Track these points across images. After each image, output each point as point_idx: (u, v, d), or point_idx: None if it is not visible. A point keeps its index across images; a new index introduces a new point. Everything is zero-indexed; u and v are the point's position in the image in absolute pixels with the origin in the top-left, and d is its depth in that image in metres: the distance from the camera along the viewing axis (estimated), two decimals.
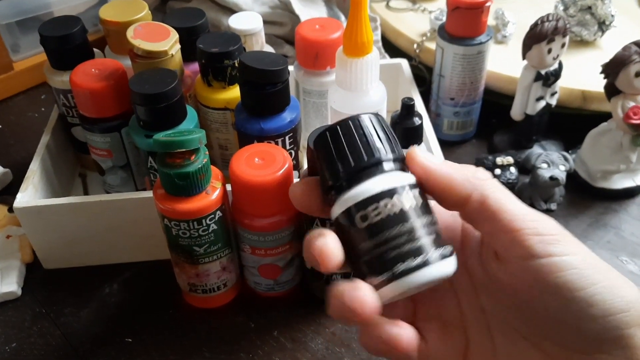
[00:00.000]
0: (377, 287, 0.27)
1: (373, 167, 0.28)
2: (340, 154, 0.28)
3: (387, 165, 0.28)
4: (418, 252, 0.27)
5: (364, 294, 0.26)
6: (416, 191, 0.28)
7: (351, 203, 0.28)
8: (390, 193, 0.27)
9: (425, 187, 0.29)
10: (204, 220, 0.44)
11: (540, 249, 0.26)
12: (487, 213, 0.27)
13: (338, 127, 0.29)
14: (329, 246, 0.27)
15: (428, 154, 0.29)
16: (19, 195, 0.51)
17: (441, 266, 0.27)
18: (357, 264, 0.28)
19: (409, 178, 0.28)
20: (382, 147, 0.28)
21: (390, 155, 0.29)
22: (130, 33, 0.51)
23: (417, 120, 0.50)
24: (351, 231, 0.28)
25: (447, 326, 0.30)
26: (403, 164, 0.29)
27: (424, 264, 0.27)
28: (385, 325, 0.27)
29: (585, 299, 0.25)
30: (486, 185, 0.28)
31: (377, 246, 0.27)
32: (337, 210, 0.28)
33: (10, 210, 0.58)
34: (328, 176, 0.29)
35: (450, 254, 0.28)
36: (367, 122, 0.29)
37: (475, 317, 0.30)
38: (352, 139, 0.28)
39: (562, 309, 0.26)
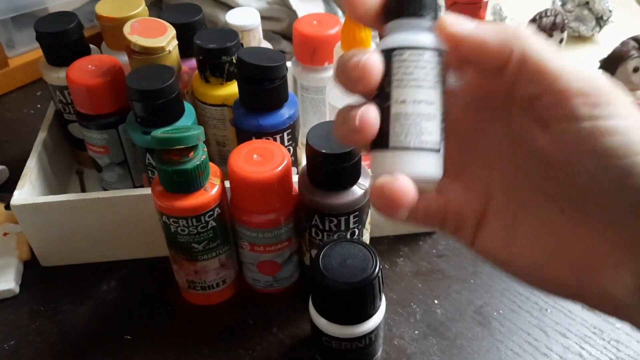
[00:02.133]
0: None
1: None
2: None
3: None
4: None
5: (403, 185, 0.25)
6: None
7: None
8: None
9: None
10: (202, 217, 0.44)
11: (585, 111, 0.24)
12: (529, 75, 0.25)
13: None
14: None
15: (459, 19, 0.26)
16: (16, 193, 0.51)
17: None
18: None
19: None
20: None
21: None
22: (127, 29, 0.50)
23: None
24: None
25: (470, 183, 0.29)
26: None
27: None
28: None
29: (625, 168, 0.23)
30: (527, 43, 0.25)
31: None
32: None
33: (7, 207, 0.57)
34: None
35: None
36: None
37: (504, 177, 0.28)
38: None
39: (599, 176, 0.24)
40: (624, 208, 0.24)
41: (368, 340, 0.42)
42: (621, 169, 0.24)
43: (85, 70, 0.51)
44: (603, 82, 0.25)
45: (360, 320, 0.40)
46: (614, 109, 0.24)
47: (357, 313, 0.40)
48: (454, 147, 0.28)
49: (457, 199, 0.29)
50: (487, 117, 0.28)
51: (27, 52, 0.77)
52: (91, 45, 0.59)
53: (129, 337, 0.49)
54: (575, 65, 0.25)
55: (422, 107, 0.26)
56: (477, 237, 0.29)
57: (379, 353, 0.45)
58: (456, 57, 0.27)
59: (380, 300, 0.41)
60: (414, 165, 0.26)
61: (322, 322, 0.41)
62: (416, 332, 0.48)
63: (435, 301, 0.50)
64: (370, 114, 0.26)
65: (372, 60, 0.26)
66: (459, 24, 0.26)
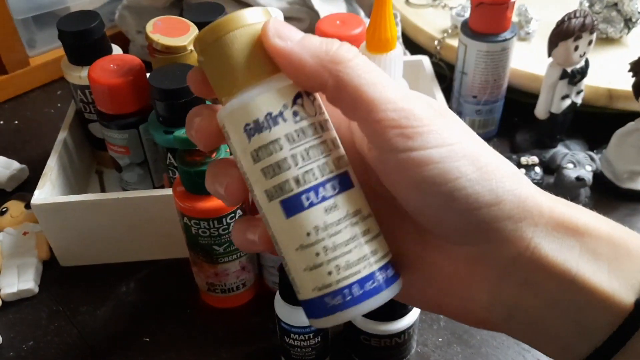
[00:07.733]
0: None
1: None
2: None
3: None
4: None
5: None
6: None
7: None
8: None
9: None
10: (224, 219, 0.43)
11: (399, 143, 0.23)
12: (345, 103, 0.24)
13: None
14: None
15: (284, 30, 0.24)
16: (36, 192, 0.50)
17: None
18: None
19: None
20: None
21: None
22: (149, 27, 0.50)
23: None
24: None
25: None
26: None
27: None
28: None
29: (446, 193, 0.23)
30: (343, 68, 0.23)
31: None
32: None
33: (27, 206, 0.57)
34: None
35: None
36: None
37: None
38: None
39: (425, 206, 0.24)
40: (457, 231, 0.25)
41: (407, 335, 0.42)
42: (443, 196, 0.23)
43: (107, 69, 0.51)
44: (421, 110, 0.24)
45: (401, 315, 0.41)
46: (427, 139, 0.23)
47: (398, 308, 0.40)
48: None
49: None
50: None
51: (47, 51, 0.77)
52: (113, 45, 0.59)
53: (147, 340, 0.48)
54: (394, 93, 0.23)
55: None
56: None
57: (414, 349, 0.45)
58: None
59: None
60: None
61: (361, 321, 0.41)
62: (440, 339, 0.47)
63: None
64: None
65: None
66: (280, 38, 0.24)
